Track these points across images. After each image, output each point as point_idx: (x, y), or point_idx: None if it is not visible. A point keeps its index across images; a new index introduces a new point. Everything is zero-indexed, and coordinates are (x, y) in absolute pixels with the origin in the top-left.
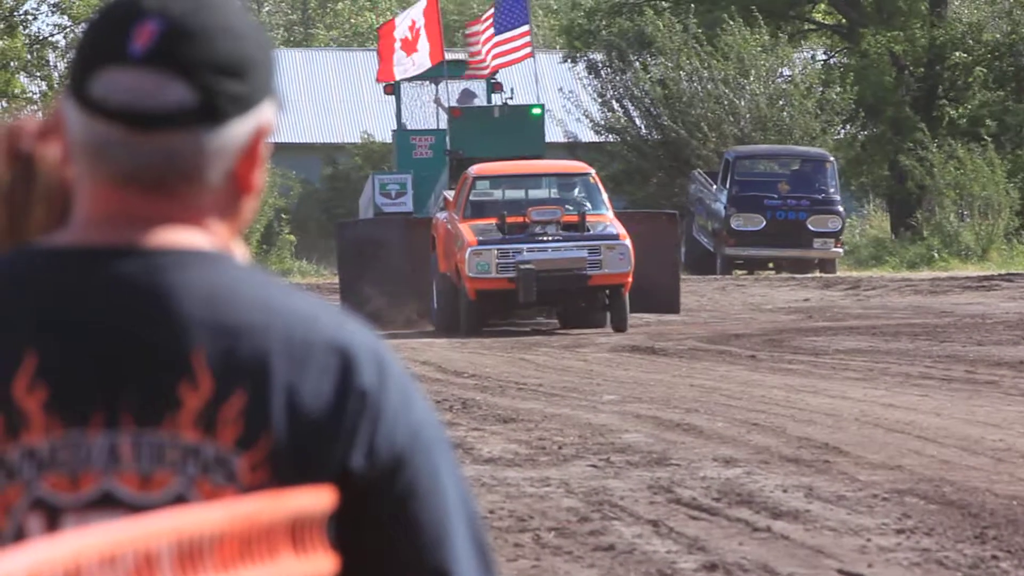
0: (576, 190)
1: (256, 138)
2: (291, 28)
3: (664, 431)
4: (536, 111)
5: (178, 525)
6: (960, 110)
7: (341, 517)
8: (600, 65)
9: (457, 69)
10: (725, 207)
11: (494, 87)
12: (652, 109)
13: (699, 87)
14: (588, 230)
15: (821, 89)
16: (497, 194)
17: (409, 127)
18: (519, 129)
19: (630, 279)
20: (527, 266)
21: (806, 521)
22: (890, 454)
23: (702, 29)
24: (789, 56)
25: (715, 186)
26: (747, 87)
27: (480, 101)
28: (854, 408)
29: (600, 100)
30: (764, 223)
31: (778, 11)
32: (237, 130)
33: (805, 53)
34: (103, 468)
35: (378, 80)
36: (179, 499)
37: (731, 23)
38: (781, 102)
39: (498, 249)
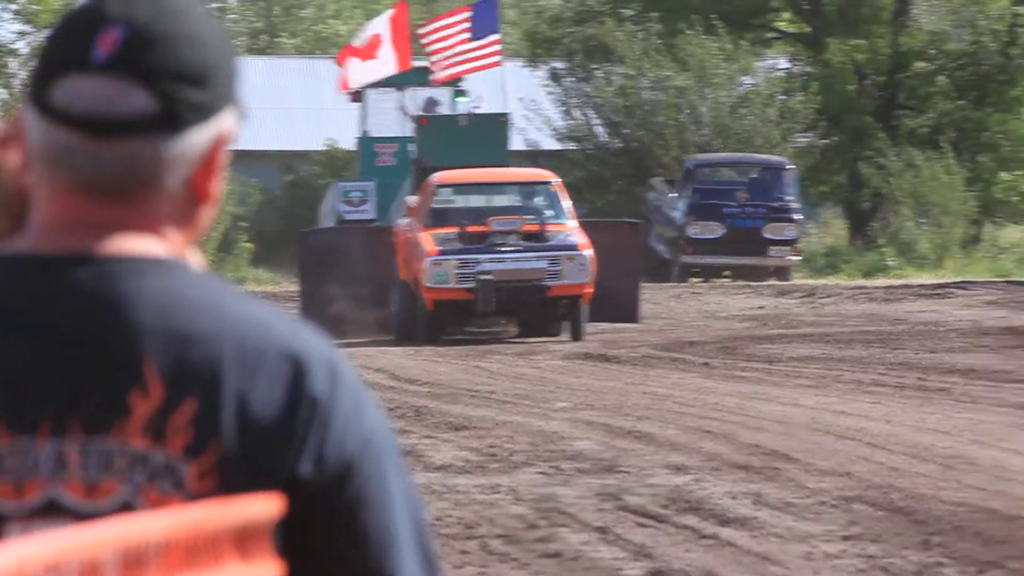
0: (539, 198)
1: (215, 147)
2: (255, 36)
3: (615, 438)
4: (501, 120)
5: (123, 533)
6: (920, 119)
7: (289, 524)
8: (562, 73)
9: (423, 77)
10: (684, 215)
11: (459, 94)
12: (613, 117)
13: (660, 96)
14: (549, 240)
15: (783, 97)
16: (460, 202)
17: (373, 135)
18: (484, 138)
19: (589, 290)
20: (486, 277)
21: (753, 528)
22: (839, 461)
23: (662, 40)
24: (751, 64)
25: (674, 194)
26: (708, 95)
27: (444, 109)
28: (805, 415)
29: (562, 108)
30: (722, 231)
31: (741, 20)
32: (197, 138)
33: (768, 61)
34: (49, 476)
35: (339, 89)
36: (125, 507)
37: (691, 32)
38: (743, 110)
39: (457, 259)
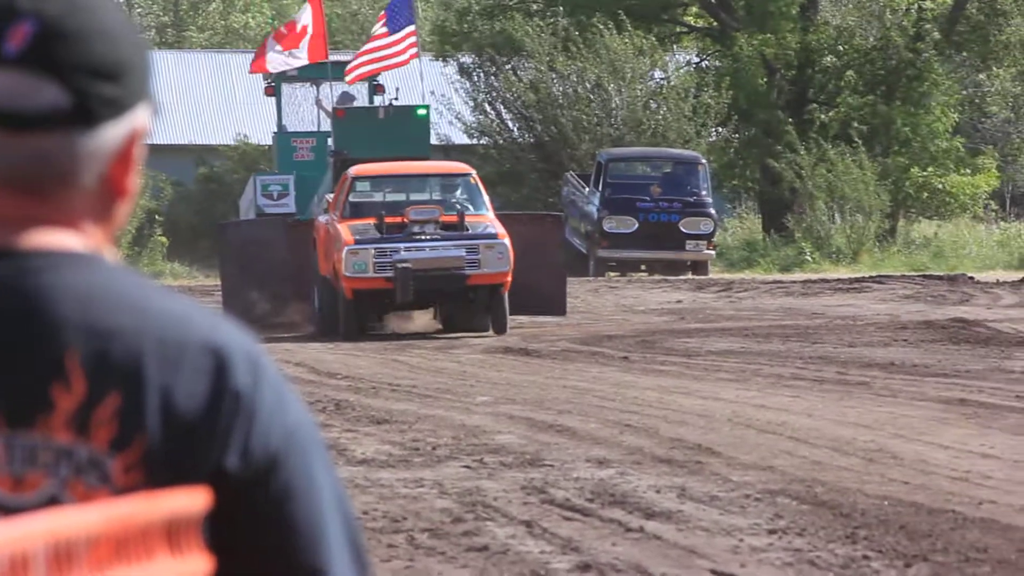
0: (457, 191)
1: (130, 141)
2: (163, 30)
3: (537, 432)
4: (422, 112)
5: (52, 527)
6: (831, 114)
7: (216, 518)
8: (471, 68)
9: (338, 72)
10: (598, 209)
11: (376, 89)
12: (524, 112)
13: (571, 90)
14: (467, 230)
15: (695, 92)
16: (378, 195)
17: (290, 129)
18: (404, 130)
19: (509, 279)
20: (404, 265)
21: (679, 521)
22: (762, 455)
23: (574, 32)
24: (661, 59)
25: (588, 188)
26: (621, 90)
27: (360, 103)
28: (726, 409)
29: (472, 103)
30: (636, 225)
31: (650, 14)
32: (111, 133)
33: (679, 56)
34: None
35: (250, 71)
36: (52, 501)
37: (599, 27)
38: (654, 104)
39: (375, 248)
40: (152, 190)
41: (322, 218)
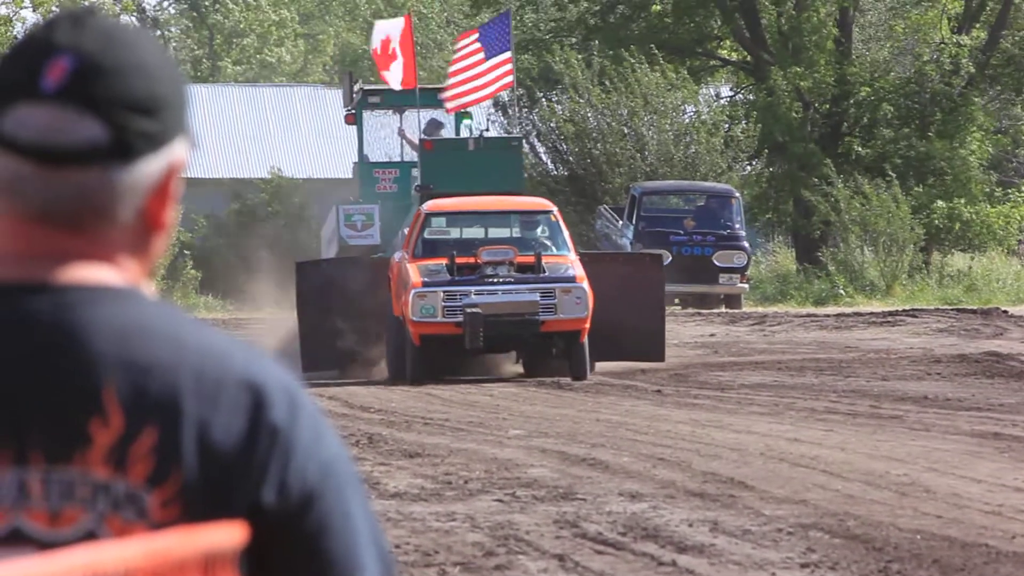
0: (538, 229)
1: (168, 176)
2: (197, 63)
3: (570, 466)
4: (514, 143)
5: (90, 561)
6: (865, 149)
7: (253, 552)
8: (507, 101)
9: (426, 98)
10: (631, 242)
11: (463, 116)
12: (559, 145)
13: (606, 123)
14: (544, 272)
15: (727, 125)
16: (454, 232)
17: (372, 159)
18: (495, 163)
19: (587, 325)
20: (474, 309)
21: (711, 555)
22: (795, 488)
23: (609, 63)
24: (694, 93)
25: (621, 222)
26: (654, 123)
27: (448, 132)
28: (759, 443)
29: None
30: (670, 259)
31: (685, 48)
32: (149, 168)
33: (712, 89)
34: (11, 505)
35: (401, 86)
36: (89, 536)
37: (632, 59)
38: (687, 138)
39: (444, 291)
40: (185, 223)
41: (396, 255)
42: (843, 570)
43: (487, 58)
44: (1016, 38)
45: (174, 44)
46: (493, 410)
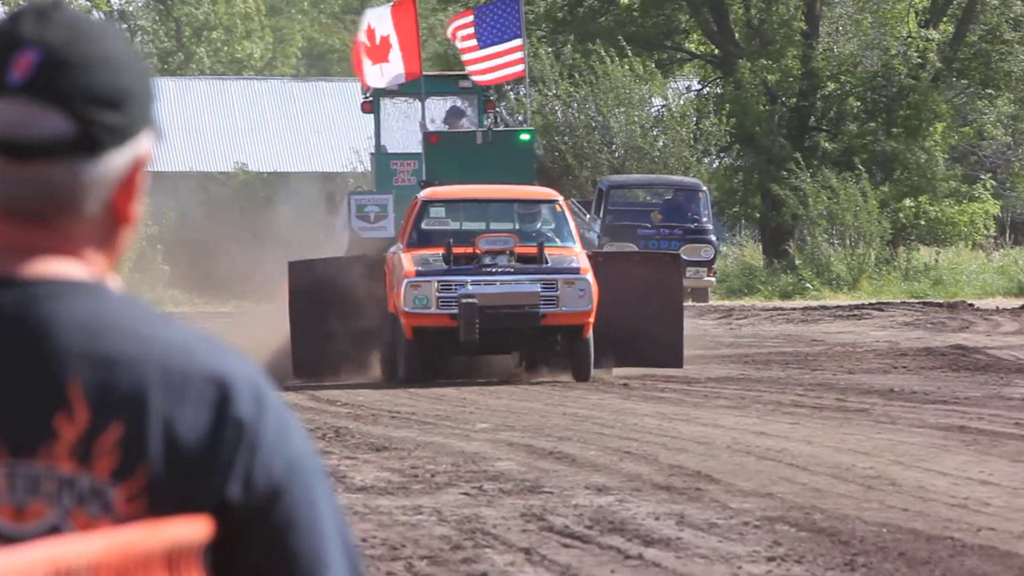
0: (541, 219)
1: (134, 169)
2: (165, 57)
3: (537, 459)
4: (525, 137)
5: (54, 555)
6: (832, 144)
7: (219, 547)
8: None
9: (440, 85)
10: (598, 236)
11: (486, 106)
12: None
13: (574, 116)
14: (547, 263)
15: (696, 119)
16: (454, 224)
17: (390, 150)
18: (504, 158)
19: (591, 320)
20: (469, 300)
21: (678, 549)
22: (761, 482)
23: (578, 56)
24: (662, 86)
25: (588, 215)
26: (622, 116)
27: (471, 121)
28: (726, 436)
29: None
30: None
31: (653, 41)
32: (115, 161)
33: (680, 83)
34: None
35: (363, 87)
36: (54, 530)
37: (602, 53)
38: (655, 131)
39: (439, 281)
40: (152, 217)
41: (392, 249)
42: (809, 563)
43: (482, 45)
44: (983, 32)
45: (141, 37)
46: (460, 404)
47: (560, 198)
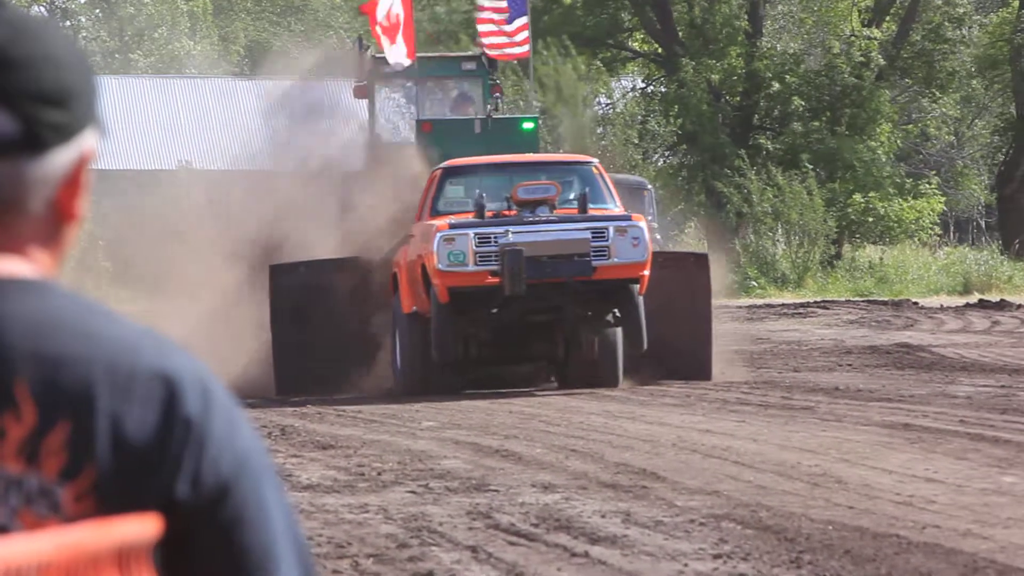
0: (577, 184)
1: (79, 167)
2: (108, 55)
3: (483, 457)
4: (528, 125)
5: (3, 555)
6: (775, 144)
7: (168, 544)
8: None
9: (442, 68)
10: None
11: (492, 90)
12: None
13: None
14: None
15: (641, 117)
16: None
17: (385, 140)
18: (506, 147)
19: (646, 272)
20: (515, 248)
21: (624, 546)
22: (707, 480)
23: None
24: (607, 85)
25: None
26: (567, 115)
27: (477, 106)
28: (671, 434)
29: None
30: None
31: (597, 39)
32: (59, 159)
33: (627, 81)
34: None
35: (390, 61)
36: (2, 530)
37: (545, 52)
38: (600, 130)
39: (475, 233)
40: (95, 215)
41: (403, 249)
42: (755, 560)
43: (510, 20)
44: (926, 31)
45: (85, 35)
46: (406, 401)
47: (596, 161)
